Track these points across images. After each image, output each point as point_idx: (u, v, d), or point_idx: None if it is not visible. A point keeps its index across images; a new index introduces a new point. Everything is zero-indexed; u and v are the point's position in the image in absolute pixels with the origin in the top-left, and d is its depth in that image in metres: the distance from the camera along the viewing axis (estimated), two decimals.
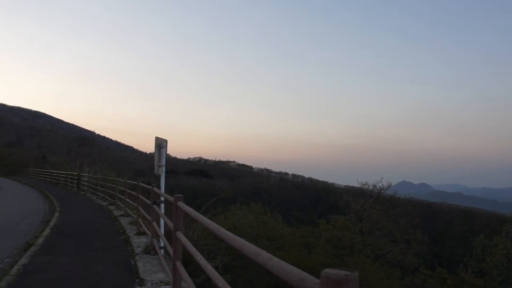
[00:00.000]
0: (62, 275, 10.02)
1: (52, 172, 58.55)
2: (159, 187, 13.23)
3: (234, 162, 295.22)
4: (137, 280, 9.74)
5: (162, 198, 12.43)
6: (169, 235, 10.85)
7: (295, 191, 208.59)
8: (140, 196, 16.40)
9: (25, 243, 13.98)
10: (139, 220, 16.72)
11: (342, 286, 2.00)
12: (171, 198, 8.15)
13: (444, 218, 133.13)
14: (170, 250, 8.63)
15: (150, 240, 12.90)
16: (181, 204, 7.24)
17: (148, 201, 13.51)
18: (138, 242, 14.28)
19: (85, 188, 39.28)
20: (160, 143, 13.55)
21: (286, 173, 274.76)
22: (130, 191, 21.47)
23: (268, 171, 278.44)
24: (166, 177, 13.80)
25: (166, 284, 9.42)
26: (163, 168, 13.59)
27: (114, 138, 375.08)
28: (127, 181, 23.10)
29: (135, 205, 17.76)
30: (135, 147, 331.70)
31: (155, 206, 12.48)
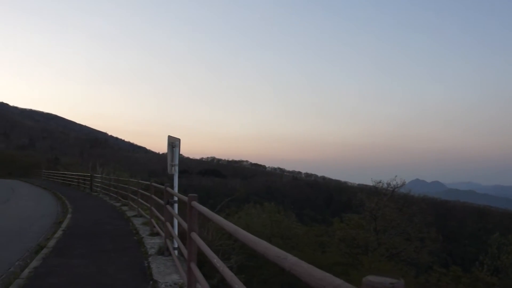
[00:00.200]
0: (74, 277, 9.79)
1: (64, 174, 58.68)
2: (172, 187, 12.99)
3: (247, 161, 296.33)
4: (151, 282, 9.52)
5: (176, 198, 12.20)
6: (183, 235, 10.63)
7: (308, 190, 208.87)
8: (153, 196, 16.25)
9: (36, 245, 13.80)
10: (152, 220, 16.56)
11: None
12: (185, 198, 7.88)
13: (457, 216, 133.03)
14: (184, 251, 8.42)
15: (163, 241, 12.70)
16: (195, 204, 6.98)
17: (161, 201, 13.32)
18: (152, 243, 14.08)
19: (98, 189, 39.22)
20: (173, 142, 13.31)
21: (299, 172, 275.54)
22: (143, 192, 21.36)
23: (281, 170, 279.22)
24: (179, 177, 13.56)
25: (181, 287, 9.19)
26: (176, 168, 13.34)
27: (126, 139, 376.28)
28: (140, 181, 22.97)
29: (148, 205, 17.63)
30: (148, 147, 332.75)
31: (168, 206, 12.27)
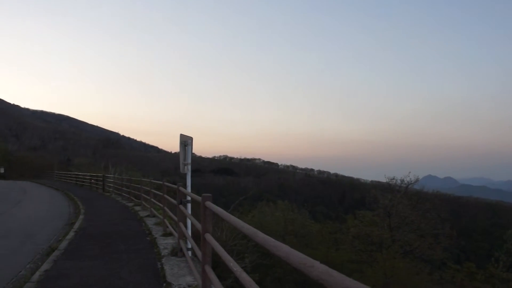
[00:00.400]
0: (86, 280, 9.56)
1: (77, 174, 58.82)
2: (185, 186, 12.77)
3: (259, 159, 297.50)
4: (164, 284, 9.30)
5: (189, 198, 11.97)
6: (196, 235, 10.42)
7: (320, 187, 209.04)
8: (165, 196, 16.05)
9: (48, 247, 13.65)
10: (165, 220, 16.41)
11: None
12: (198, 198, 7.61)
13: (470, 212, 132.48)
14: (198, 252, 8.18)
15: (177, 241, 12.48)
16: (209, 204, 6.71)
17: (174, 201, 13.11)
18: (165, 244, 13.90)
19: (110, 189, 39.14)
20: (185, 141, 13.05)
21: (312, 169, 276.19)
22: (155, 191, 21.21)
23: (294, 168, 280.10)
24: (191, 176, 13.34)
25: None
26: (189, 167, 13.07)
27: (138, 139, 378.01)
28: (152, 181, 22.85)
29: (161, 205, 17.46)
30: (160, 147, 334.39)
31: (181, 206, 12.04)
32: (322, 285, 2.23)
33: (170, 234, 15.25)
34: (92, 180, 47.37)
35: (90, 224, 18.95)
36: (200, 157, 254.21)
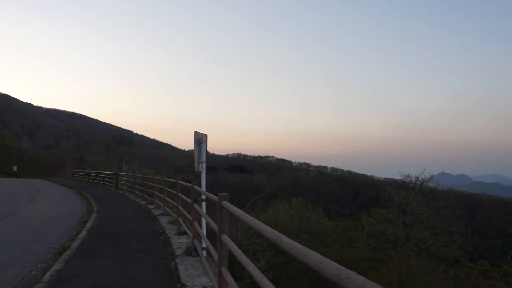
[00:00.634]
0: (98, 281, 9.35)
1: (90, 172, 58.94)
2: (199, 184, 12.54)
3: (273, 157, 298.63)
4: (178, 285, 9.08)
5: (204, 197, 11.74)
6: (211, 235, 10.19)
7: (334, 185, 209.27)
8: (179, 194, 15.88)
9: (60, 246, 13.45)
10: (179, 219, 16.21)
11: None
12: (214, 197, 7.32)
13: (483, 209, 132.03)
14: (213, 252, 7.97)
15: (191, 240, 12.27)
16: (226, 204, 6.43)
17: (188, 200, 12.91)
18: (179, 243, 13.68)
19: (123, 187, 39.09)
20: (200, 138, 12.82)
21: (325, 167, 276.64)
22: (169, 189, 21.08)
23: (307, 165, 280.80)
24: (205, 174, 13.12)
25: None
26: (204, 165, 12.83)
27: (152, 137, 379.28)
28: (166, 179, 22.69)
29: (175, 203, 17.30)
30: (173, 145, 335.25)
31: (196, 205, 11.82)
32: None
33: (184, 233, 15.07)
34: (105, 178, 47.37)
35: (103, 222, 18.81)
36: (214, 155, 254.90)
